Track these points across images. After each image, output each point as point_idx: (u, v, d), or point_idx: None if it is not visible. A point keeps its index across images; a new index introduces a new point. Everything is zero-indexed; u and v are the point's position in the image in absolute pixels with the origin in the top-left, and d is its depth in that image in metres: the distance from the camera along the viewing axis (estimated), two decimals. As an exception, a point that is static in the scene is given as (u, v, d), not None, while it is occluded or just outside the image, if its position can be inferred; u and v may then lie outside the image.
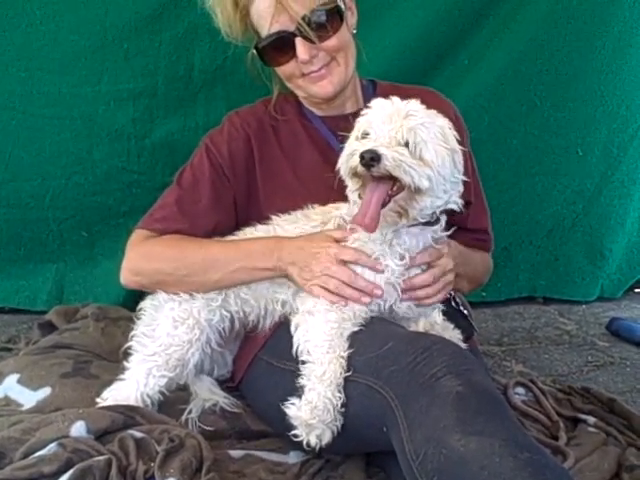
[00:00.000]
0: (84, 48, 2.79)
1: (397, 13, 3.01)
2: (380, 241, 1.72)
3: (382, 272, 1.72)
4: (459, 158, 1.71)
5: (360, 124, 1.69)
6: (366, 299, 1.71)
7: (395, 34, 3.01)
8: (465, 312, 2.00)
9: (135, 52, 2.81)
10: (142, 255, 2.01)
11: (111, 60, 2.82)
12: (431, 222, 1.74)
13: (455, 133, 1.72)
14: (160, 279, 1.96)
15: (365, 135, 1.65)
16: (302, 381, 1.62)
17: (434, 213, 1.72)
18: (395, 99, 1.68)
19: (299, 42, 1.91)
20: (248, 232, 1.98)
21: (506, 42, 3.18)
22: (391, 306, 1.76)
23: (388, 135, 1.60)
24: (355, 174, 1.64)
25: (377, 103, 1.69)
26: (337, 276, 1.73)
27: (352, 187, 1.71)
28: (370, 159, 1.55)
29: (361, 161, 1.57)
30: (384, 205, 1.62)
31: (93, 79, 2.83)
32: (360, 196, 1.69)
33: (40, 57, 2.80)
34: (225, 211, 2.03)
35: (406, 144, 1.60)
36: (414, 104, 1.67)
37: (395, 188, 1.62)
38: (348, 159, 1.64)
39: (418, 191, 1.62)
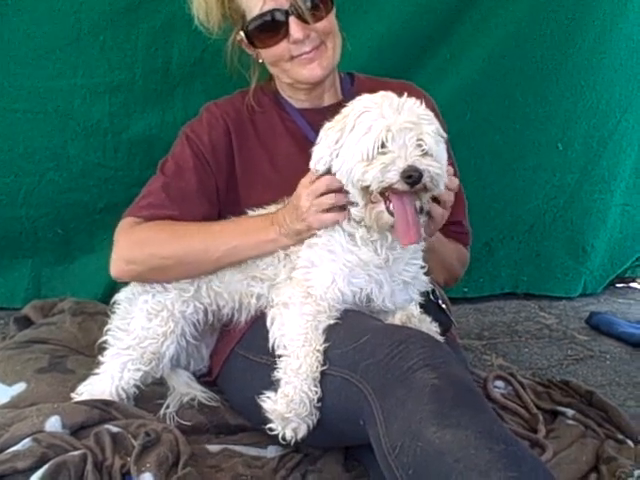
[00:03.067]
0: (59, 40, 2.74)
1: (380, 6, 3.00)
2: (366, 237, 1.72)
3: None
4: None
5: (375, 130, 1.59)
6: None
7: (377, 27, 3.01)
8: (443, 305, 2.00)
9: (111, 44, 2.76)
10: (134, 242, 1.95)
11: (87, 53, 2.76)
12: None
13: None
14: (156, 264, 1.90)
15: (383, 144, 1.60)
16: (278, 374, 1.62)
17: None
18: (390, 95, 1.65)
19: (293, 21, 1.90)
20: None
21: (488, 37, 3.19)
22: (368, 295, 1.74)
23: (412, 145, 1.58)
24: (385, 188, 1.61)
25: (380, 102, 1.63)
26: (323, 189, 1.72)
27: (357, 193, 1.66)
28: (418, 177, 1.55)
29: (407, 179, 1.55)
30: None
31: (68, 72, 2.77)
32: (371, 200, 1.65)
33: (13, 49, 2.73)
34: (210, 198, 2.01)
35: (432, 154, 1.60)
36: (416, 103, 1.65)
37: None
38: (383, 174, 1.57)
39: (430, 192, 1.64)
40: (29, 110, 2.81)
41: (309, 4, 1.89)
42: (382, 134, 1.58)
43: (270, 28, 1.93)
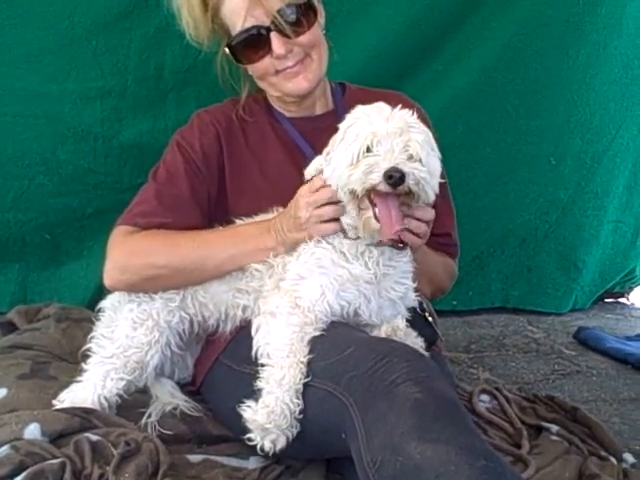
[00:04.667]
0: (51, 44, 2.72)
1: (372, 17, 3.00)
2: (353, 251, 1.72)
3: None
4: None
5: (362, 136, 1.62)
6: None
7: (370, 38, 3.00)
8: (430, 319, 1.99)
9: (104, 50, 2.75)
10: (129, 251, 1.92)
11: (79, 57, 2.74)
12: None
13: None
14: (152, 274, 1.88)
15: (369, 149, 1.62)
16: (260, 384, 1.60)
17: None
18: (382, 106, 1.67)
19: (274, 36, 1.89)
20: None
21: (481, 49, 3.18)
22: (356, 310, 1.74)
23: (398, 149, 1.59)
24: (368, 189, 1.62)
25: (370, 112, 1.66)
26: (324, 201, 1.71)
27: (347, 200, 1.67)
28: (399, 178, 1.55)
29: (388, 180, 1.55)
30: None
31: (60, 76, 2.76)
32: (360, 207, 1.66)
33: (4, 53, 2.71)
34: (202, 205, 2.00)
35: (419, 159, 1.60)
36: (408, 113, 1.66)
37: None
38: (366, 175, 1.59)
39: (417, 199, 1.63)
40: (19, 114, 2.79)
41: (290, 19, 1.88)
42: (368, 139, 1.60)
43: (252, 44, 1.93)
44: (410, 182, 1.57)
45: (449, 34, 3.12)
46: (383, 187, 1.57)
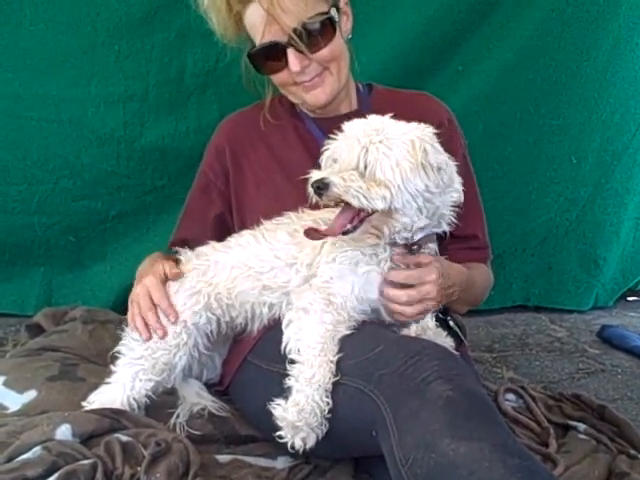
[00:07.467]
0: (74, 49, 2.77)
1: (392, 18, 3.01)
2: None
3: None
4: (431, 172, 1.63)
5: (329, 151, 1.68)
6: (146, 335, 1.87)
7: (390, 39, 3.02)
8: (451, 323, 1.99)
9: (126, 54, 2.79)
10: None
11: (101, 62, 2.79)
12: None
13: (436, 145, 1.65)
14: None
15: (334, 162, 1.65)
16: (289, 382, 1.60)
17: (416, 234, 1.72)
18: (370, 120, 1.66)
19: (291, 53, 1.90)
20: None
21: (500, 49, 3.18)
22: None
23: (347, 160, 1.60)
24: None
25: (347, 127, 1.68)
26: (141, 304, 1.89)
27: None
28: (317, 188, 1.58)
29: (312, 188, 1.60)
30: (355, 228, 1.63)
31: (83, 81, 2.80)
32: None
33: (28, 58, 2.76)
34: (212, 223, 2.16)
35: (365, 166, 1.59)
36: (379, 121, 1.65)
37: (364, 212, 1.62)
38: (308, 187, 1.64)
39: (388, 212, 1.61)
40: (43, 118, 2.84)
41: (306, 37, 1.87)
42: (327, 154, 1.67)
43: (270, 58, 1.95)
44: (334, 190, 1.57)
45: (469, 34, 3.13)
46: (313, 197, 1.62)
